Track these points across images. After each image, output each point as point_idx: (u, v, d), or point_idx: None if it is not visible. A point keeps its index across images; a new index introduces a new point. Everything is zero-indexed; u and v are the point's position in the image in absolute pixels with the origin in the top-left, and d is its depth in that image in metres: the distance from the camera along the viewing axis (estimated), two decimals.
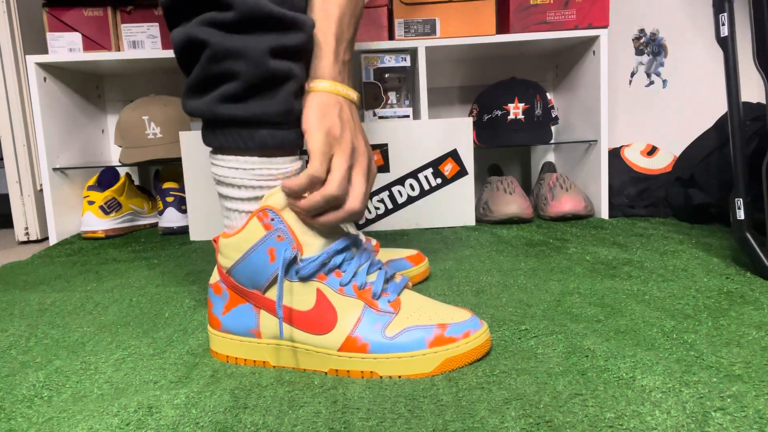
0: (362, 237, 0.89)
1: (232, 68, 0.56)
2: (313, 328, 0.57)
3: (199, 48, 0.57)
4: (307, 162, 0.60)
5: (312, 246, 0.58)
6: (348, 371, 0.57)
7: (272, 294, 0.58)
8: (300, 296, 0.58)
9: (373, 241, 0.89)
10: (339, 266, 0.58)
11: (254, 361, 0.61)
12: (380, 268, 0.61)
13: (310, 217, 0.58)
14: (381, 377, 0.56)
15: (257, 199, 0.59)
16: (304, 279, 0.57)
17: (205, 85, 0.58)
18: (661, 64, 1.66)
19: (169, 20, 0.60)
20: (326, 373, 0.58)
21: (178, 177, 1.48)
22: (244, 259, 0.58)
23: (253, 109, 0.57)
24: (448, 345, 0.56)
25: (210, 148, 0.62)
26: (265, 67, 0.56)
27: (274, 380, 0.56)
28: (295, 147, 0.61)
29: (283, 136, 0.59)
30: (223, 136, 0.59)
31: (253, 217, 0.57)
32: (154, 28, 1.40)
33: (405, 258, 0.88)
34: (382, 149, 1.30)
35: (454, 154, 1.31)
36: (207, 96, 0.58)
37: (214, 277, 0.62)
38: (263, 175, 0.59)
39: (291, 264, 0.57)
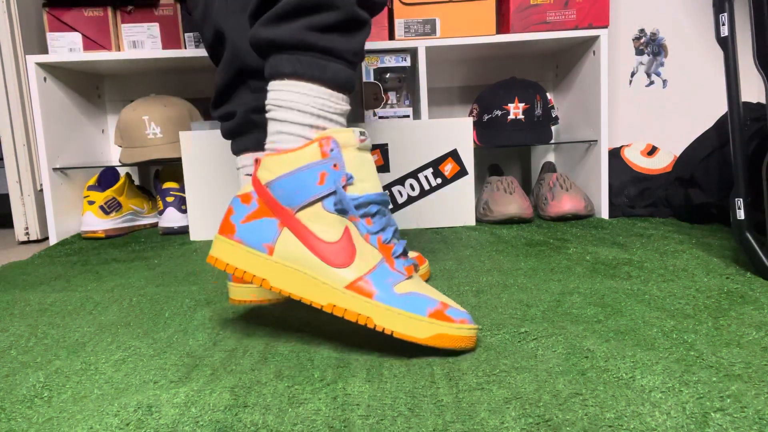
0: None
1: (327, 3, 0.61)
2: (330, 260, 0.59)
3: None
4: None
5: (354, 188, 0.61)
6: (345, 310, 0.58)
7: (303, 215, 0.60)
8: (328, 227, 0.60)
9: None
10: (372, 215, 0.61)
11: (253, 276, 0.61)
12: (400, 238, 0.63)
13: None
14: (375, 326, 0.58)
15: (313, 127, 0.62)
16: (340, 212, 0.60)
17: (296, 13, 0.62)
18: (661, 64, 1.66)
19: None
20: (322, 308, 0.59)
21: (178, 177, 1.48)
22: (291, 174, 0.60)
23: (335, 42, 0.62)
24: (445, 322, 0.58)
25: (273, 78, 0.64)
26: (352, 10, 0.62)
27: (273, 376, 0.56)
28: (353, 89, 0.66)
29: (349, 74, 0.64)
30: (299, 63, 0.62)
31: (315, 142, 0.60)
32: (154, 28, 1.40)
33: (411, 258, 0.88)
34: (382, 149, 1.30)
35: (454, 154, 1.31)
36: (296, 23, 0.62)
37: (245, 189, 0.63)
38: (324, 106, 0.62)
39: (330, 195, 0.60)
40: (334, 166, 0.60)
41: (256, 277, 0.61)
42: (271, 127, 0.64)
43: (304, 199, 0.60)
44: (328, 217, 0.60)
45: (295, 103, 0.62)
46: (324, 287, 0.59)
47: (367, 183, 0.62)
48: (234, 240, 0.62)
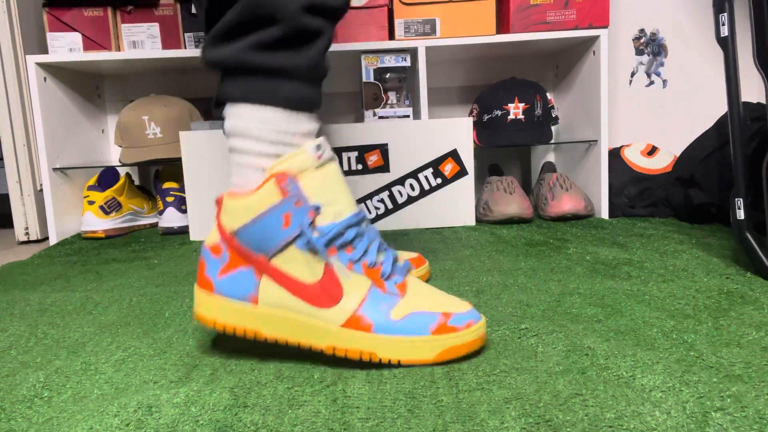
0: None
1: (267, 17, 0.56)
2: (317, 301, 0.56)
3: None
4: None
5: (325, 216, 0.57)
6: (347, 350, 0.56)
7: (278, 261, 0.57)
8: (307, 267, 0.56)
9: None
10: (351, 242, 0.57)
11: (245, 329, 0.58)
12: (386, 249, 0.61)
13: None
14: (380, 359, 0.56)
15: (272, 156, 0.58)
16: (314, 251, 0.56)
17: (237, 31, 0.57)
18: (661, 64, 1.66)
19: None
20: (323, 351, 0.57)
21: (178, 177, 1.48)
22: (256, 222, 0.56)
23: (283, 60, 0.57)
24: (451, 334, 0.56)
25: (226, 102, 0.60)
26: (298, 21, 0.56)
27: (273, 377, 0.56)
28: (316, 106, 0.60)
29: (307, 92, 0.59)
30: (248, 86, 0.58)
31: (271, 179, 0.56)
32: (154, 28, 1.40)
33: (406, 260, 0.87)
34: (382, 149, 1.30)
35: (454, 154, 1.31)
36: (238, 43, 0.57)
37: (213, 238, 0.59)
38: (282, 130, 0.58)
39: (300, 235, 0.56)
40: (297, 203, 0.56)
41: (249, 330, 0.58)
42: (231, 158, 0.60)
43: (274, 246, 0.56)
44: (304, 257, 0.56)
45: (250, 130, 0.58)
46: (319, 330, 0.56)
47: (339, 204, 0.58)
48: (215, 295, 0.59)
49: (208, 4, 0.60)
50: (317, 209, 0.56)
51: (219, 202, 0.59)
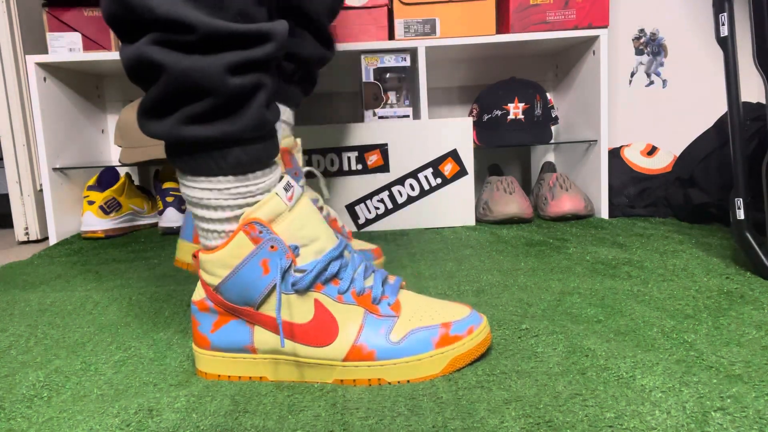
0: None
1: (192, 90, 0.51)
2: (314, 340, 0.55)
3: (154, 70, 0.51)
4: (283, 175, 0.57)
5: (304, 255, 0.55)
6: (354, 380, 0.55)
7: (266, 309, 0.56)
8: (297, 308, 0.55)
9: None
10: (336, 274, 0.56)
11: (250, 377, 0.58)
12: (374, 271, 0.60)
13: None
14: (389, 383, 0.55)
15: (236, 218, 0.55)
16: (301, 291, 0.55)
17: (165, 106, 0.53)
18: (661, 64, 1.66)
19: (117, 31, 0.53)
20: (331, 384, 0.56)
21: None
22: (234, 275, 0.55)
23: (222, 127, 0.53)
24: (454, 344, 0.56)
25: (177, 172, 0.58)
26: (226, 87, 0.51)
27: (273, 386, 0.56)
28: (272, 158, 0.57)
29: (257, 151, 0.55)
30: (193, 160, 0.54)
31: (239, 231, 0.54)
32: None
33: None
34: (382, 149, 1.30)
35: (454, 154, 1.31)
36: (169, 119, 0.53)
37: (199, 294, 0.58)
38: (240, 194, 0.55)
39: (285, 275, 0.55)
40: (272, 247, 0.54)
41: (254, 377, 0.58)
42: (196, 224, 0.58)
43: (258, 295, 0.55)
44: (292, 299, 0.55)
45: (206, 200, 0.55)
46: (323, 367, 0.56)
47: (318, 242, 0.56)
48: (213, 351, 0.58)
49: (129, 77, 0.54)
50: (295, 250, 0.55)
51: (196, 257, 0.58)
